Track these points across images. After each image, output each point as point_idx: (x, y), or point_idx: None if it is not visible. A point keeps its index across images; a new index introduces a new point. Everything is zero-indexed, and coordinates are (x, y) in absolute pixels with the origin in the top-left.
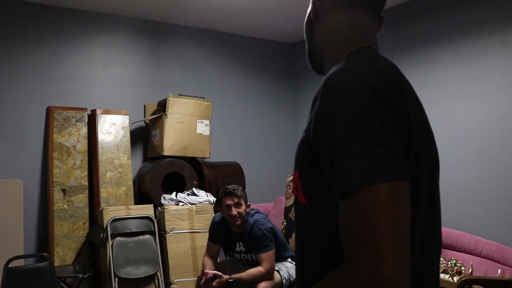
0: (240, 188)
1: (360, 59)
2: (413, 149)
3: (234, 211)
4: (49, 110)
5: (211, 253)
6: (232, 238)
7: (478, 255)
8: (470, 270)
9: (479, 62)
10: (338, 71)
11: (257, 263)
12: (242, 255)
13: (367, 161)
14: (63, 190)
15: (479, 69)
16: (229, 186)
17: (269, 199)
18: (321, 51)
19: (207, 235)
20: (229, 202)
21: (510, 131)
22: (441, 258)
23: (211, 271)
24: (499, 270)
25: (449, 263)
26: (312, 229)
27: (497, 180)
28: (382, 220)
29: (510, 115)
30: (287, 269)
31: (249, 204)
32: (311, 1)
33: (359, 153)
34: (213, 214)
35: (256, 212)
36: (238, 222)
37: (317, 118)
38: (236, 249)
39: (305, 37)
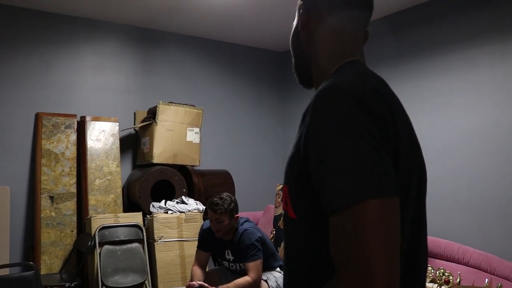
0: (227, 201)
1: (350, 74)
2: (402, 164)
3: (214, 226)
4: (38, 116)
5: (200, 261)
6: (221, 245)
7: (466, 264)
8: (458, 280)
9: (467, 73)
10: (328, 86)
11: (246, 273)
12: (230, 264)
13: (358, 177)
14: (51, 197)
15: (467, 80)
16: (215, 199)
17: (259, 207)
18: (309, 65)
19: (196, 243)
20: (212, 216)
21: (498, 141)
22: (430, 267)
23: (198, 282)
24: (487, 280)
25: (437, 272)
26: (301, 245)
27: (485, 190)
28: (372, 236)
29: (498, 125)
30: (275, 278)
31: (237, 217)
32: (297, 15)
33: (350, 169)
34: (202, 222)
35: (245, 221)
36: (219, 235)
37: (308, 133)
38: (225, 256)
39: (291, 51)
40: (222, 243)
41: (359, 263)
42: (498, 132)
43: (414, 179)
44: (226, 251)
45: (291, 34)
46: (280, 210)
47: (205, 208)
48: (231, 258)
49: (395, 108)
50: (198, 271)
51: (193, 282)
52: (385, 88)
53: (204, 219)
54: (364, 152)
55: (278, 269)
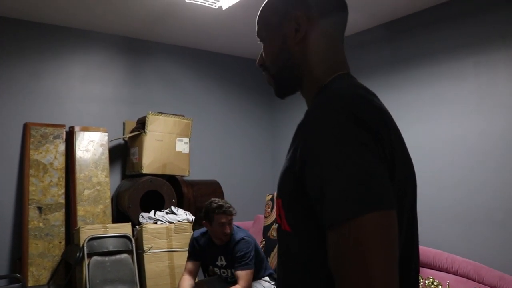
0: (228, 202)
1: (344, 88)
2: (397, 177)
3: (228, 229)
4: (26, 127)
5: (189, 271)
6: (214, 252)
7: (455, 273)
8: None
9: (454, 83)
10: (323, 102)
11: (236, 281)
12: (222, 270)
13: (356, 191)
14: (39, 208)
15: (454, 90)
16: (223, 203)
17: (248, 217)
18: (296, 77)
19: (185, 254)
20: (224, 220)
21: (484, 150)
22: (431, 278)
23: None
24: None
25: (426, 281)
26: (296, 258)
27: (473, 199)
28: (372, 250)
29: (484, 135)
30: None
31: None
32: (282, 28)
33: (348, 184)
34: (192, 233)
35: (238, 228)
36: (227, 239)
37: (304, 148)
38: (217, 263)
39: (271, 62)
40: (215, 249)
41: (359, 277)
42: (484, 141)
43: (408, 192)
44: (219, 257)
45: (276, 47)
46: (269, 220)
47: (206, 214)
48: (224, 263)
49: (389, 123)
50: (186, 281)
51: None
52: (379, 102)
53: (194, 230)
54: (362, 167)
55: (267, 278)
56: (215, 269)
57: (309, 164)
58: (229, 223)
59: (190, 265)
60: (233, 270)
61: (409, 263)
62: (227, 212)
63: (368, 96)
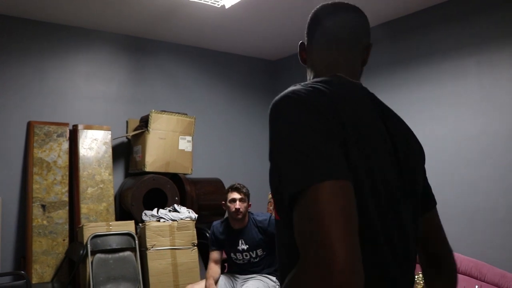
0: (245, 187)
1: (307, 83)
2: (352, 162)
3: (238, 205)
4: (30, 125)
5: (214, 261)
6: (234, 237)
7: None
8: None
9: (456, 82)
10: (280, 95)
11: (259, 261)
12: (244, 254)
13: (305, 165)
14: (43, 206)
15: (456, 89)
16: (236, 183)
17: None
18: None
19: (188, 251)
20: (235, 196)
21: (486, 149)
22: (420, 274)
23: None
24: (477, 286)
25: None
26: (284, 242)
27: (475, 197)
28: (325, 215)
29: (485, 133)
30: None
31: (250, 204)
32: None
33: (297, 160)
34: (195, 231)
35: (257, 213)
36: (239, 216)
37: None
38: (238, 247)
39: None
40: (235, 233)
41: (315, 242)
42: (485, 140)
43: (365, 179)
44: (240, 241)
45: None
46: None
47: (226, 194)
48: (245, 247)
49: (350, 112)
50: (214, 269)
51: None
52: (344, 95)
53: (197, 228)
54: (309, 144)
55: (268, 275)
56: (237, 254)
57: (269, 153)
58: (241, 200)
59: (214, 254)
60: (258, 250)
61: (389, 236)
62: (237, 189)
63: (325, 89)
